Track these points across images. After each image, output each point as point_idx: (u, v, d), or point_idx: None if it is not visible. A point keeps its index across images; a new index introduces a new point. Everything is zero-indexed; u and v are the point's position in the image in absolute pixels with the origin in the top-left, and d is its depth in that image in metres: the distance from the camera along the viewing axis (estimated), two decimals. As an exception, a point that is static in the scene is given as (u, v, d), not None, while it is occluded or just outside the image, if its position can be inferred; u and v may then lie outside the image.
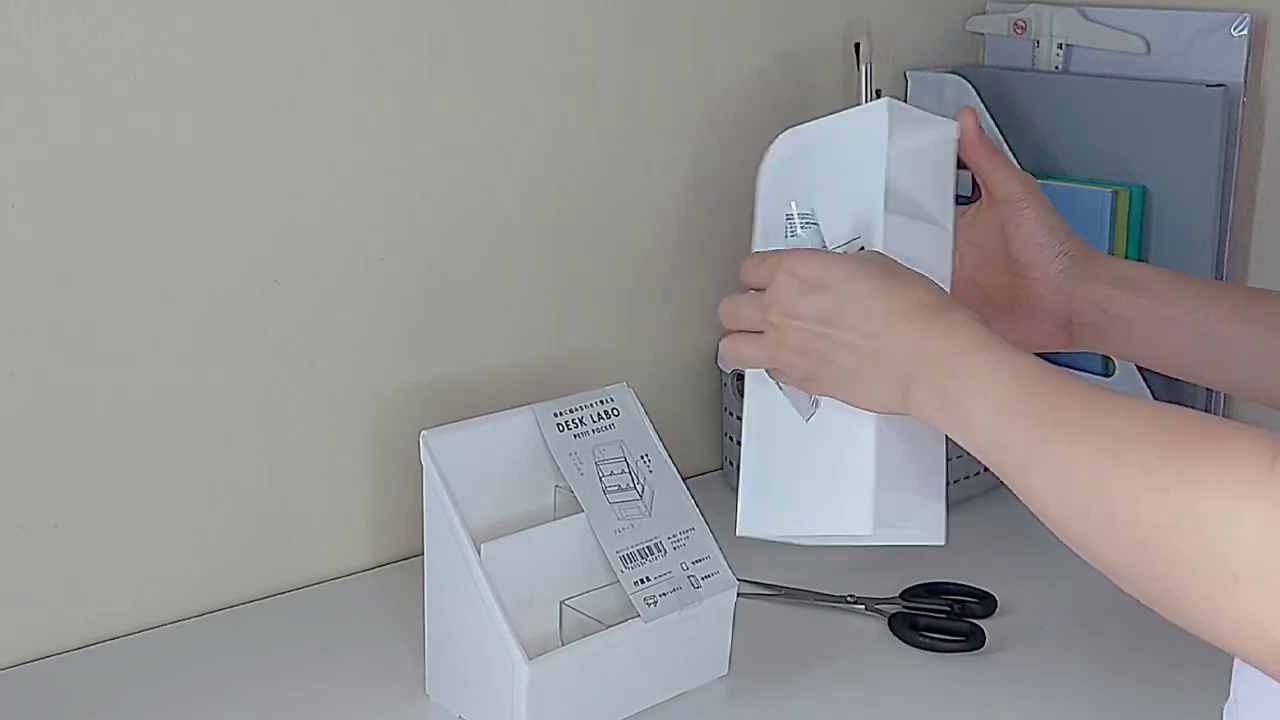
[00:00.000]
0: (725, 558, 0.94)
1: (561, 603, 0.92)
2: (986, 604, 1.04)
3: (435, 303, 1.12)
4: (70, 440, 0.97)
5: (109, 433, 0.98)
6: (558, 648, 0.88)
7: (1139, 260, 1.28)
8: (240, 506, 1.05)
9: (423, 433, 0.91)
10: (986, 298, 0.92)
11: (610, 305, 1.22)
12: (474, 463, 0.92)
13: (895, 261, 0.81)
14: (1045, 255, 0.90)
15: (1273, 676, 0.58)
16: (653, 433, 0.97)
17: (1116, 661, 0.98)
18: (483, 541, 0.88)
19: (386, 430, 1.11)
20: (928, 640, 1.00)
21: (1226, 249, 1.25)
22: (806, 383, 0.82)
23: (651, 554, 0.91)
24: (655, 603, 0.89)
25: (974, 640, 0.99)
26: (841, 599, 1.06)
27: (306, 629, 1.03)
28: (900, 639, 1.01)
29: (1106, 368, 1.29)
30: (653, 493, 0.93)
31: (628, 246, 1.22)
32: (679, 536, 0.93)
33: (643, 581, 0.90)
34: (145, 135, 0.96)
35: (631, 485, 0.93)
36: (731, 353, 0.85)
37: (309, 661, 0.98)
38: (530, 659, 0.84)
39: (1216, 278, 1.25)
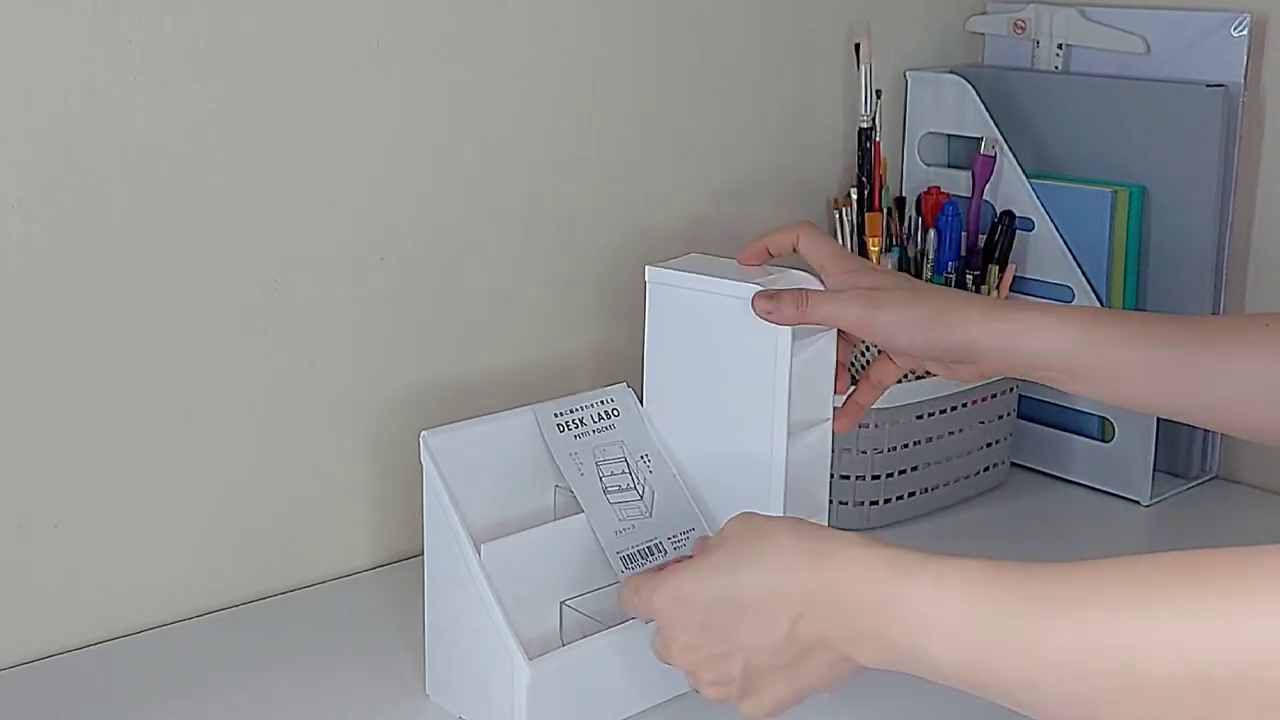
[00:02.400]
0: None
1: (562, 603, 0.92)
2: None
3: (436, 303, 1.12)
4: (70, 440, 0.97)
5: (109, 433, 0.98)
6: (558, 648, 0.87)
7: (1139, 260, 1.28)
8: (240, 506, 1.05)
9: (423, 433, 0.91)
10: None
11: (612, 306, 1.22)
12: (474, 463, 0.92)
13: (728, 538, 0.76)
14: (917, 346, 0.89)
15: None
16: (653, 433, 0.97)
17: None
18: (483, 541, 0.88)
19: (387, 430, 1.11)
20: None
21: (1226, 249, 1.25)
22: (748, 704, 0.75)
23: (652, 554, 0.91)
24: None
25: None
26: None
27: (306, 629, 1.03)
28: None
29: (1104, 431, 1.29)
30: (653, 493, 0.93)
31: (629, 246, 1.22)
32: (679, 537, 0.92)
33: None
34: (145, 135, 0.96)
35: (632, 486, 0.93)
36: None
37: (309, 662, 0.98)
38: (530, 659, 0.84)
39: (1216, 278, 1.25)
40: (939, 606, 0.63)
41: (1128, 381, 0.84)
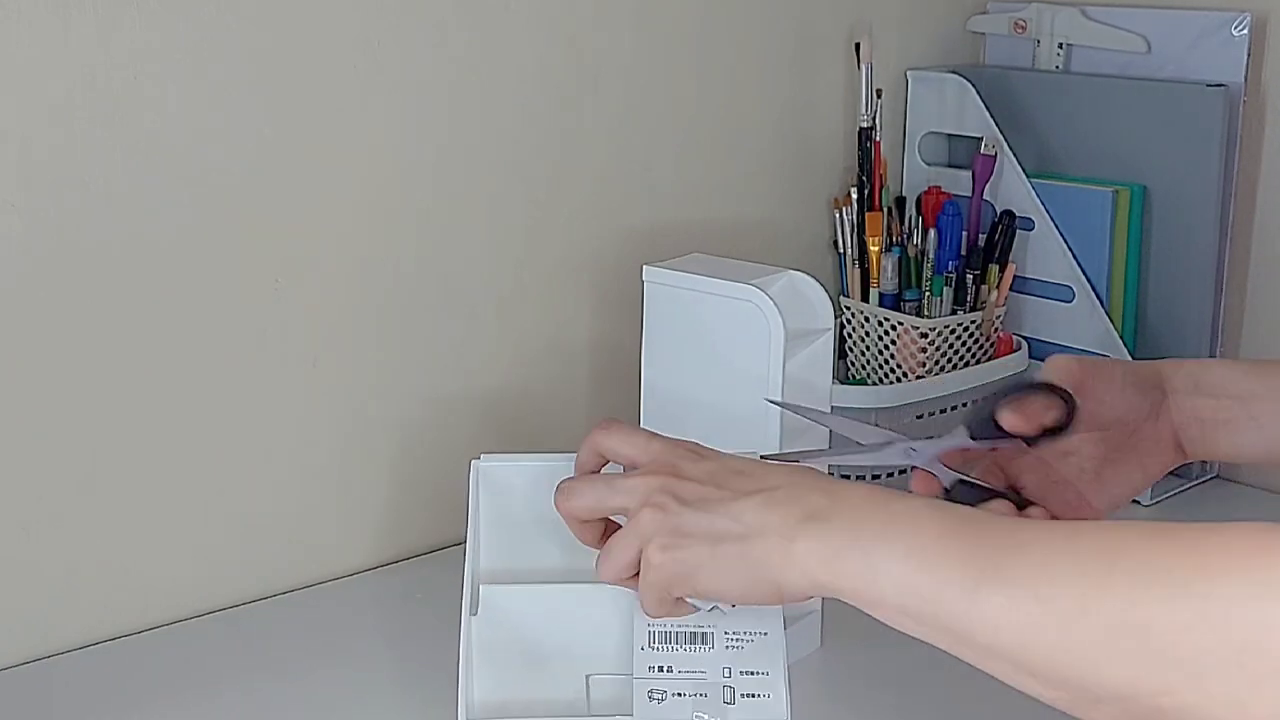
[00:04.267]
0: (789, 687, 0.75)
1: (588, 677, 0.79)
2: None
3: (436, 302, 1.12)
4: (70, 440, 0.97)
5: (109, 433, 0.98)
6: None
7: (1140, 259, 1.28)
8: (240, 506, 1.05)
9: (475, 459, 0.83)
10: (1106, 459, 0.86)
11: (612, 305, 1.22)
12: (532, 499, 0.81)
13: None
14: (1124, 410, 0.84)
15: None
16: None
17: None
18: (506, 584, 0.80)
19: (387, 431, 1.11)
20: None
21: (1227, 249, 1.25)
22: (672, 574, 0.70)
23: (692, 641, 0.75)
24: (661, 699, 0.74)
25: None
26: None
27: (306, 630, 1.03)
28: None
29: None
30: None
31: (629, 246, 1.22)
32: (742, 636, 0.75)
33: (660, 670, 0.74)
34: (145, 135, 0.96)
35: None
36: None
37: (308, 663, 0.98)
38: None
39: (1217, 278, 1.25)
40: (914, 527, 0.64)
41: None
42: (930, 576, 0.62)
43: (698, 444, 0.74)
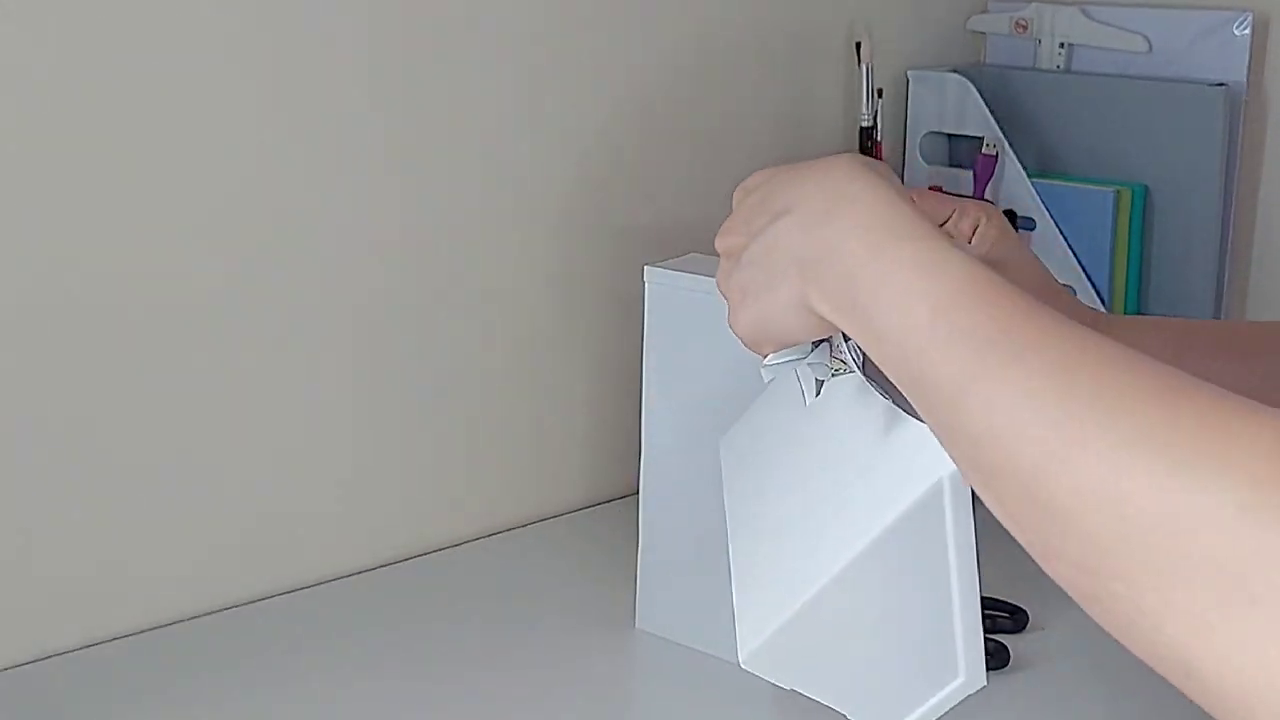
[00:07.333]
0: None
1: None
2: (1018, 619, 1.01)
3: (435, 303, 1.12)
4: (70, 440, 0.97)
5: (110, 433, 0.98)
6: None
7: (1142, 259, 1.28)
8: (241, 506, 1.05)
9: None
10: None
11: (612, 305, 1.22)
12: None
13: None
14: None
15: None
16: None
17: (1146, 682, 0.94)
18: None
19: (387, 431, 1.10)
20: None
21: (1228, 248, 1.25)
22: (735, 295, 0.67)
23: None
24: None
25: (998, 659, 0.95)
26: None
27: (308, 630, 1.02)
28: None
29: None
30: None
31: (629, 246, 1.22)
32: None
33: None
34: (144, 135, 0.95)
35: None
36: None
37: (307, 666, 0.97)
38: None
39: (1218, 277, 1.25)
40: (918, 286, 0.56)
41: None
42: (918, 361, 0.55)
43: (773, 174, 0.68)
